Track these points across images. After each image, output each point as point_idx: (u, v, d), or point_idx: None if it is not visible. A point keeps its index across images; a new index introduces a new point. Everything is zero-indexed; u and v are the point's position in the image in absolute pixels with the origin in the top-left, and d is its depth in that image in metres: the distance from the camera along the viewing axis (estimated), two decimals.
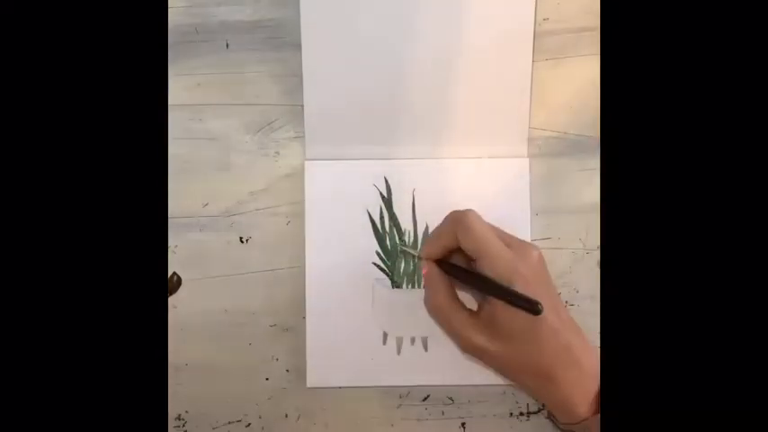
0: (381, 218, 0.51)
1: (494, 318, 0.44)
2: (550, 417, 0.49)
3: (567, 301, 0.52)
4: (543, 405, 0.51)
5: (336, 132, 0.51)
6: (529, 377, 0.44)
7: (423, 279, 0.49)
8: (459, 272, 0.47)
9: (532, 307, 0.42)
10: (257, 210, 0.52)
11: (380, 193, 0.51)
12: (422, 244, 0.51)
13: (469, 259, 0.46)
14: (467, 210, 0.46)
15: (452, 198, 0.51)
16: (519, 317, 0.43)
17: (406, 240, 0.51)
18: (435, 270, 0.47)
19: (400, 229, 0.51)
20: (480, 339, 0.45)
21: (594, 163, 0.51)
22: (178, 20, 0.50)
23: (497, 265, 0.44)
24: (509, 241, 0.46)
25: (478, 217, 0.46)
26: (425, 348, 0.51)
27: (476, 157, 0.51)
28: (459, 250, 0.46)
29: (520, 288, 0.43)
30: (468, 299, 0.49)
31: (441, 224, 0.48)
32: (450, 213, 0.47)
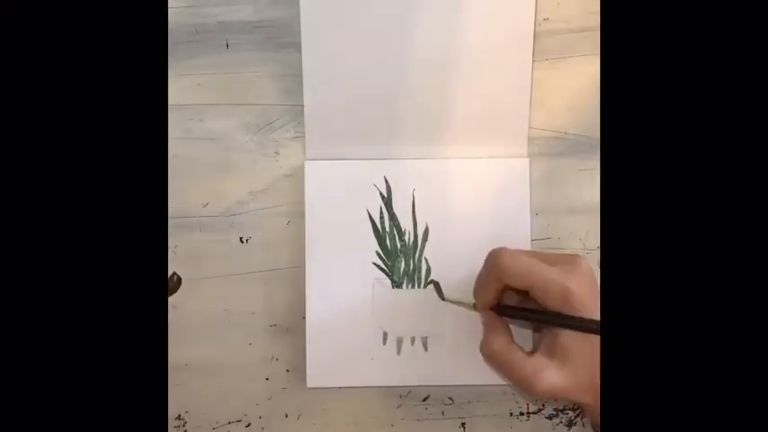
0: (381, 218, 0.51)
1: (556, 345, 0.43)
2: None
3: None
4: (593, 426, 0.49)
5: (336, 132, 0.51)
6: (593, 394, 0.42)
7: (482, 327, 0.47)
8: (513, 311, 0.46)
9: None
10: (257, 210, 0.52)
11: (380, 193, 0.51)
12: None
13: (523, 293, 0.45)
14: (501, 250, 0.45)
15: (452, 198, 0.51)
16: (582, 338, 0.42)
17: (406, 240, 0.51)
18: (492, 316, 0.46)
19: (400, 229, 0.51)
20: (545, 377, 0.42)
21: (594, 163, 0.51)
22: (178, 20, 0.50)
23: (549, 291, 0.43)
24: (554, 259, 0.44)
25: (514, 252, 0.45)
26: (425, 348, 0.51)
27: (476, 157, 0.51)
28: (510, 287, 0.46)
29: (577, 306, 0.42)
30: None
31: (482, 269, 0.47)
32: (488, 256, 0.46)
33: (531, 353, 0.45)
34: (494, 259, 0.45)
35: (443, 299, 0.51)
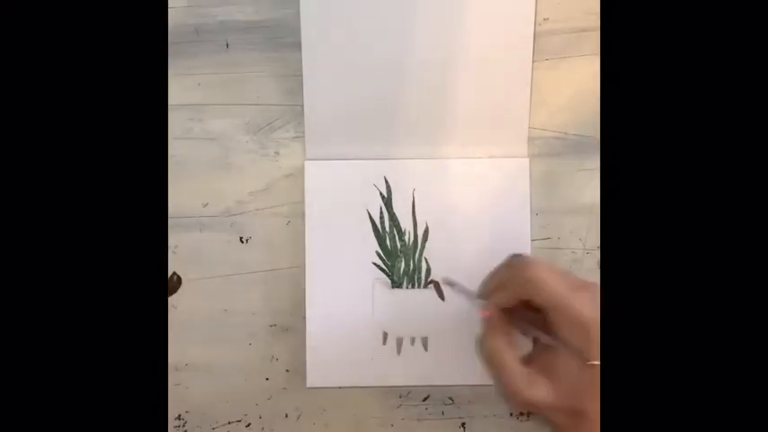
0: (381, 218, 0.51)
1: (551, 364, 0.42)
2: None
3: None
4: None
5: (336, 132, 0.51)
6: (570, 417, 0.42)
7: (482, 322, 0.45)
8: (521, 321, 0.45)
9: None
10: (257, 210, 0.52)
11: (380, 193, 0.51)
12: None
13: (534, 307, 0.44)
14: (529, 260, 0.44)
15: (452, 198, 0.51)
16: (579, 365, 0.41)
17: (406, 240, 0.51)
18: (497, 315, 0.45)
19: (400, 229, 0.51)
20: (535, 391, 0.42)
21: (594, 163, 0.51)
22: (178, 20, 0.50)
23: (573, 323, 0.42)
24: (577, 285, 0.43)
25: (543, 267, 0.43)
26: (425, 348, 0.51)
27: (476, 157, 0.51)
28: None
29: (596, 338, 0.41)
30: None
31: (504, 270, 0.45)
32: (515, 260, 0.45)
33: (526, 362, 0.44)
34: (519, 267, 0.44)
35: (443, 299, 0.51)
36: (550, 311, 0.43)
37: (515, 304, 0.45)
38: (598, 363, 0.41)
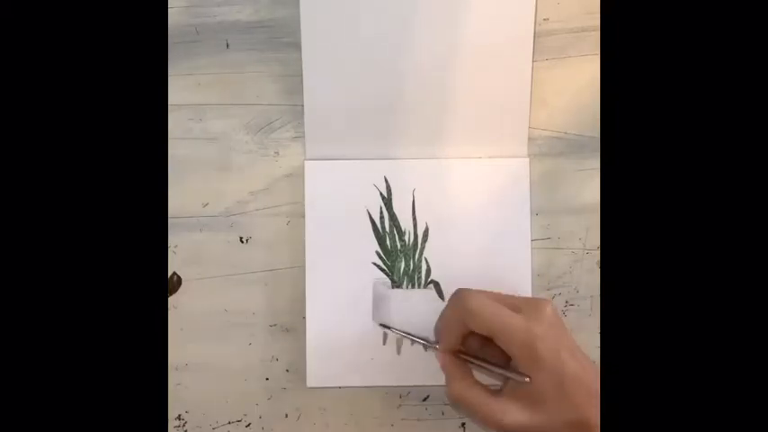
0: (381, 218, 0.51)
1: (520, 387, 0.43)
2: None
3: (566, 301, 0.52)
4: None
5: (336, 132, 0.51)
6: (568, 429, 0.42)
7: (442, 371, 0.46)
8: (474, 358, 0.46)
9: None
10: (257, 210, 0.52)
11: (380, 193, 0.51)
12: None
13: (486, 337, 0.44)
14: (467, 292, 0.44)
15: (452, 198, 0.51)
16: (543, 380, 0.42)
17: (407, 240, 0.51)
18: (449, 359, 0.46)
19: (400, 229, 0.51)
20: (512, 416, 0.42)
21: (594, 163, 0.51)
22: (178, 20, 0.50)
23: (514, 339, 0.43)
24: (518, 303, 0.44)
25: (481, 296, 0.44)
26: (425, 348, 0.51)
27: (476, 157, 0.51)
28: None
29: (542, 353, 0.42)
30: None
31: (447, 310, 0.46)
32: (453, 297, 0.45)
33: (497, 392, 0.44)
34: (459, 302, 0.44)
35: (443, 299, 0.51)
36: (494, 336, 0.43)
37: (466, 340, 0.45)
38: (527, 379, 0.42)
